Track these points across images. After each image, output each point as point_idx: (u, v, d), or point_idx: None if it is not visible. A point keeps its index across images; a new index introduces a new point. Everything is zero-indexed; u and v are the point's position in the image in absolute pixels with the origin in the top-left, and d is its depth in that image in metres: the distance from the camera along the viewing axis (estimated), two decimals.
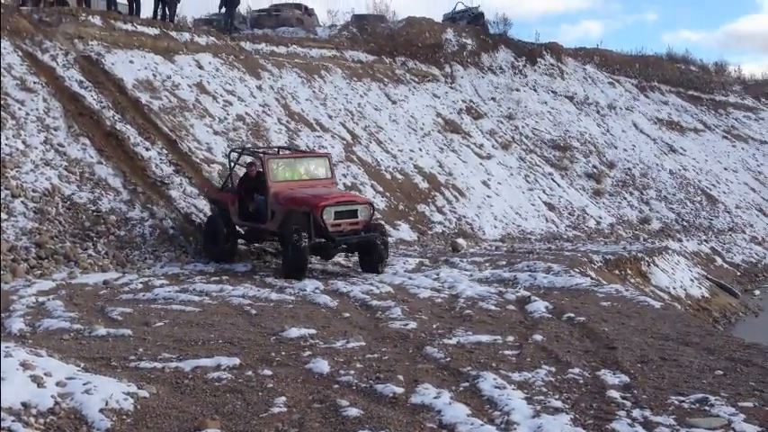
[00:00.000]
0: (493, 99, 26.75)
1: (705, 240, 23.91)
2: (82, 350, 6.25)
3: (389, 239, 12.48)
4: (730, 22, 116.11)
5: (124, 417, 4.66)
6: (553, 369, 5.75)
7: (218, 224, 11.73)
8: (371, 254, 11.16)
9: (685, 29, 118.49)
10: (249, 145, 15.66)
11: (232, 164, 12.78)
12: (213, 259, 11.61)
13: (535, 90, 28.56)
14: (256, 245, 12.61)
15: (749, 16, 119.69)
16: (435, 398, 5.05)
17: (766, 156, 33.85)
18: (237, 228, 12.03)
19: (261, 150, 13.51)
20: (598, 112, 29.63)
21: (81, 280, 9.96)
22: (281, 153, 13.29)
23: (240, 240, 12.21)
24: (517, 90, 27.80)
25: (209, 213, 12.77)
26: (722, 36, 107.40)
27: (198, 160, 14.75)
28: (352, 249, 11.49)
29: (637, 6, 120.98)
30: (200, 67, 18.32)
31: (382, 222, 13.51)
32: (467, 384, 5.36)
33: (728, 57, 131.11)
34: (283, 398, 5.04)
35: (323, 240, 10.82)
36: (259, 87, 19.34)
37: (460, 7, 31.43)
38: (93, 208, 12.06)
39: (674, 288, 15.84)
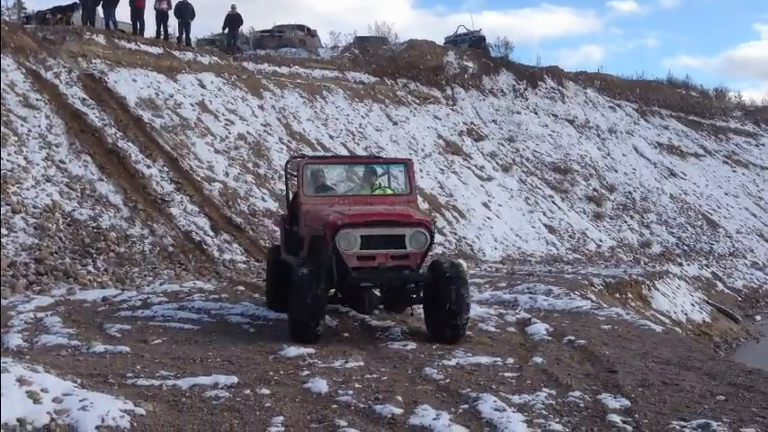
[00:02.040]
0: (494, 121, 26.84)
1: (706, 265, 23.87)
2: (79, 366, 6.20)
3: None
4: (730, 48, 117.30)
5: None
6: (553, 392, 5.69)
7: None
8: (436, 308, 7.34)
9: (685, 55, 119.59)
10: (307, 153, 12.52)
11: (290, 180, 9.34)
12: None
13: (536, 113, 28.67)
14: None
15: (748, 43, 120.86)
16: (434, 419, 4.99)
17: (767, 181, 33.90)
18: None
19: (325, 158, 11.19)
20: (599, 135, 29.72)
21: (80, 296, 9.91)
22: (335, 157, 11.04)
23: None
24: (518, 113, 27.91)
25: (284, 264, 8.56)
26: (722, 62, 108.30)
27: (199, 178, 14.78)
28: (395, 298, 8.03)
29: (637, 32, 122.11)
30: (203, 87, 18.42)
31: (450, 256, 9.28)
32: (466, 406, 5.31)
33: (728, 83, 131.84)
34: (281, 417, 4.99)
35: (348, 284, 7.36)
36: (261, 107, 19.42)
37: (462, 30, 31.69)
38: (94, 224, 12.06)
39: (675, 312, 15.77)
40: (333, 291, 7.68)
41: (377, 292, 8.39)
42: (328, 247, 7.29)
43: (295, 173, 8.69)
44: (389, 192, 8.81)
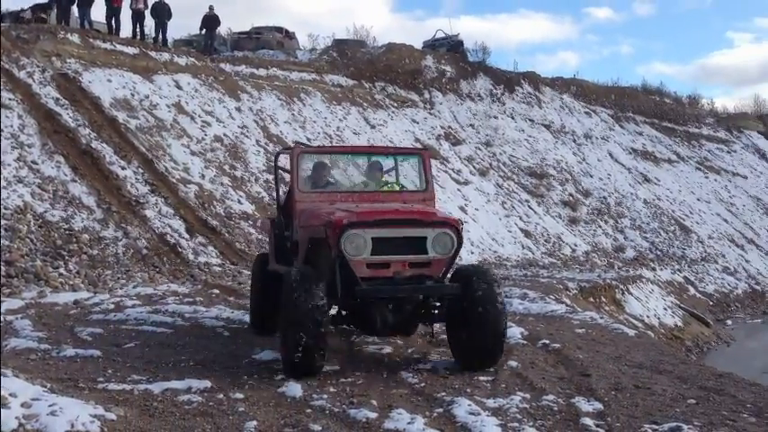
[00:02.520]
0: (471, 126, 26.96)
1: (678, 270, 24.16)
2: (49, 371, 6.10)
3: None
4: (703, 56, 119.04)
5: None
6: (528, 396, 5.72)
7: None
8: (467, 328, 6.13)
9: (659, 62, 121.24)
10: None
11: (280, 176, 7.96)
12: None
13: (513, 118, 28.85)
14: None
15: (721, 51, 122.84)
16: (409, 423, 4.99)
17: (738, 188, 34.44)
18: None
19: (323, 148, 9.83)
20: (574, 140, 29.98)
21: (51, 299, 9.77)
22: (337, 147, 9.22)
23: None
24: (495, 117, 28.07)
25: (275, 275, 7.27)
26: (695, 70, 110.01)
27: (174, 180, 14.65)
28: (410, 316, 6.34)
29: (612, 39, 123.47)
30: (179, 88, 18.27)
31: (481, 263, 7.21)
32: (441, 410, 5.31)
33: (701, 90, 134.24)
34: (255, 422, 4.95)
35: (354, 299, 6.02)
36: (238, 109, 19.32)
37: (440, 35, 31.80)
38: (66, 226, 11.90)
39: (648, 316, 15.94)
40: (335, 308, 6.37)
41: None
42: (331, 253, 6.02)
43: (286, 168, 7.50)
44: (398, 188, 7.47)
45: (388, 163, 7.63)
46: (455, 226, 6.26)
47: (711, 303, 22.62)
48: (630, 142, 33.00)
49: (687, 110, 39.56)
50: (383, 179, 7.49)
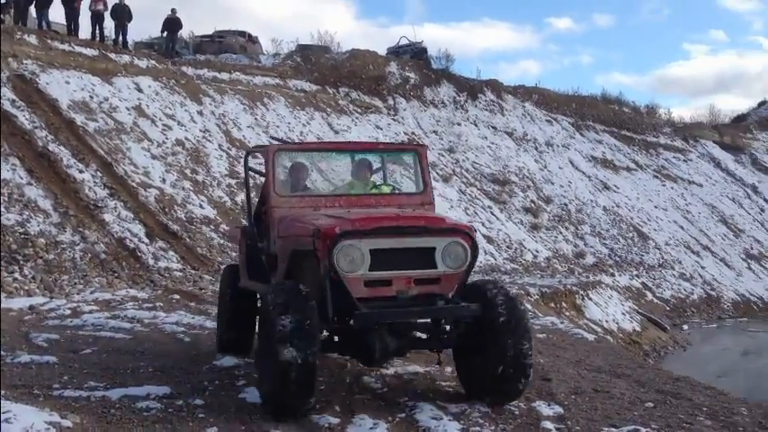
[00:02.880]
0: (434, 132, 27.11)
1: (636, 275, 24.59)
2: (3, 377, 5.95)
3: None
4: (661, 67, 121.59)
5: None
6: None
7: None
8: (483, 356, 5.29)
9: (618, 72, 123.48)
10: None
11: (253, 178, 7.00)
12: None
13: (476, 125, 29.09)
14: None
15: (678, 63, 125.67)
16: (371, 428, 4.98)
17: (694, 195, 35.18)
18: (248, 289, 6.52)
19: (302, 145, 8.60)
20: (536, 148, 30.34)
21: (5, 304, 9.52)
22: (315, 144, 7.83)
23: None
24: (458, 124, 28.26)
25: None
26: (653, 80, 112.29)
27: (134, 184, 14.43)
28: (411, 340, 5.57)
29: (573, 49, 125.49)
30: (140, 91, 18.03)
31: (498, 280, 6.89)
32: (403, 415, 5.31)
33: (659, 100, 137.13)
34: (215, 428, 4.89)
35: (349, 320, 5.11)
36: (200, 113, 19.13)
37: (404, 41, 31.92)
38: (21, 230, 11.63)
39: (607, 321, 16.19)
40: (324, 332, 5.24)
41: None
42: (319, 269, 5.08)
43: (257, 169, 6.70)
44: (387, 190, 6.50)
45: (374, 161, 6.74)
46: (468, 233, 5.28)
47: (668, 308, 23.07)
48: (590, 150, 33.52)
49: (645, 119, 40.32)
50: (371, 180, 6.57)
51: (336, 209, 5.88)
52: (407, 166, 6.69)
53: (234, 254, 13.43)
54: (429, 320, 5.44)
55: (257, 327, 5.05)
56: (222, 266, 13.01)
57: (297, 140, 20.82)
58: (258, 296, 6.28)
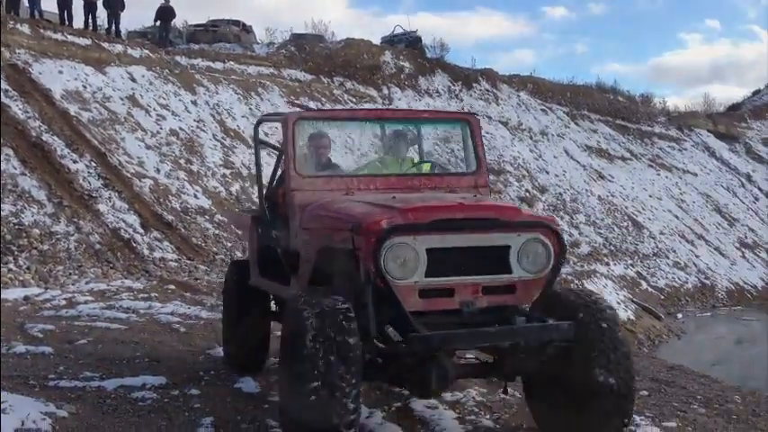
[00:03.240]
0: None
1: (631, 264, 24.67)
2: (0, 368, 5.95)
3: None
4: (656, 56, 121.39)
5: None
6: (484, 389, 5.77)
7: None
8: (570, 385, 4.10)
9: (614, 61, 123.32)
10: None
11: (263, 149, 5.96)
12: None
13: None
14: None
15: (674, 52, 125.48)
16: (367, 418, 4.99)
17: (689, 185, 35.26)
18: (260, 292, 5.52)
19: (328, 112, 7.66)
20: (531, 137, 30.34)
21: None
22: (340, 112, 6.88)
23: None
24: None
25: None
26: (648, 69, 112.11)
27: (128, 174, 14.40)
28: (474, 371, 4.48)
29: (568, 38, 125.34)
30: (133, 80, 17.95)
31: (589, 291, 4.94)
32: (399, 404, 5.33)
33: (654, 89, 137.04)
34: (210, 418, 4.90)
35: (399, 341, 3.95)
36: (194, 102, 19.06)
37: (399, 31, 31.83)
38: (15, 221, 11.60)
39: None
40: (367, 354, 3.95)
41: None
42: (358, 273, 3.97)
43: (273, 142, 5.47)
44: (427, 168, 5.44)
45: (412, 131, 5.56)
46: (552, 228, 4.19)
47: (663, 297, 23.16)
48: (585, 140, 33.54)
49: (640, 108, 40.33)
50: (409, 156, 5.45)
51: (373, 193, 4.75)
52: (450, 139, 5.73)
53: (230, 244, 13.44)
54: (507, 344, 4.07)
55: (279, 347, 3.93)
56: (217, 257, 13.06)
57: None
58: (272, 297, 5.49)
